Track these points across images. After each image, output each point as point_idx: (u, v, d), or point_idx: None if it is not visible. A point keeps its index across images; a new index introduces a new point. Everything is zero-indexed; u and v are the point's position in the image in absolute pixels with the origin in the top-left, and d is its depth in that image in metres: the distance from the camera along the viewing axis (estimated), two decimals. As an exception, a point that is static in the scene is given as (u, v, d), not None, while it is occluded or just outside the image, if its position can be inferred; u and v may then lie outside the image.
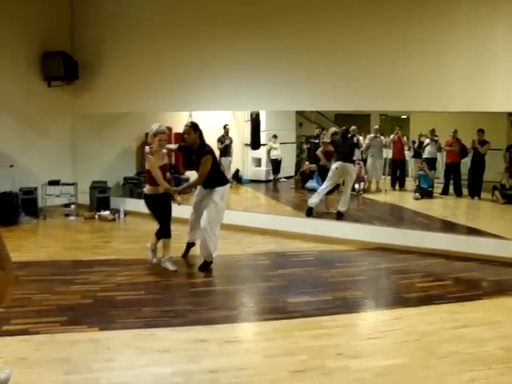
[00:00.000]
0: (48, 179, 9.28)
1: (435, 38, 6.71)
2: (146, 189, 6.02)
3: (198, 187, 6.18)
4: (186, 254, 6.54)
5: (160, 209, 5.99)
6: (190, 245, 6.54)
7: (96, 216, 9.30)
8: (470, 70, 6.53)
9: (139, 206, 9.47)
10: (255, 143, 10.47)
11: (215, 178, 5.98)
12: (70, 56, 9.54)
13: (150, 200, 6.00)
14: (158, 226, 6.11)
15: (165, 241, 6.11)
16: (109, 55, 9.54)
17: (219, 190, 5.97)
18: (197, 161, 5.85)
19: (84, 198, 9.74)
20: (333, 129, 9.83)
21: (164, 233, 6.05)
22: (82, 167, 10.19)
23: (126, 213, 9.36)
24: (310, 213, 8.77)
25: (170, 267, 6.03)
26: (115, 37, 9.41)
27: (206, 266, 6.10)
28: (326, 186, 8.97)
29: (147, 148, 5.84)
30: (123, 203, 9.61)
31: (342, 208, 8.87)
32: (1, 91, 8.86)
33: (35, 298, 4.98)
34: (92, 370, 3.59)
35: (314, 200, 8.87)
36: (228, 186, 6.21)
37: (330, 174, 8.99)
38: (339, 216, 8.74)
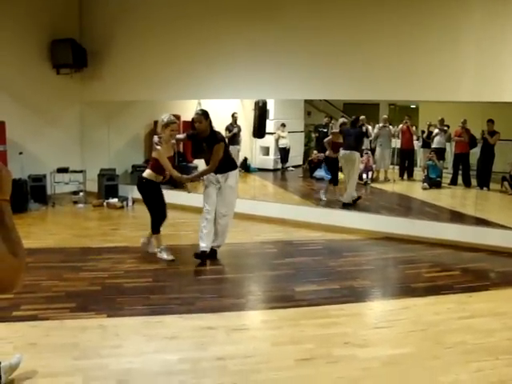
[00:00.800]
0: (57, 166, 9.31)
1: (445, 26, 6.65)
2: (146, 173, 5.87)
3: (208, 183, 6.04)
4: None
5: (155, 197, 5.95)
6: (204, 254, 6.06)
7: (104, 203, 9.33)
8: (480, 59, 6.47)
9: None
10: (260, 132, 10.35)
11: (227, 163, 5.96)
12: (79, 44, 9.54)
13: (147, 185, 5.87)
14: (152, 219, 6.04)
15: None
16: (118, 43, 9.52)
17: (233, 173, 5.98)
18: (208, 148, 5.82)
19: (92, 186, 9.77)
20: (342, 119, 9.81)
21: (158, 223, 5.99)
22: (91, 155, 10.23)
23: (134, 200, 9.37)
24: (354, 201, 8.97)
25: (166, 257, 5.99)
26: (124, 24, 9.38)
27: (214, 255, 6.11)
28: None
29: (156, 138, 5.78)
30: (131, 191, 9.59)
31: (345, 199, 8.85)
32: (10, 79, 8.90)
33: (44, 285, 5.02)
34: (100, 355, 3.63)
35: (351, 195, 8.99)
36: (237, 170, 6.21)
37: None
38: (345, 207, 8.73)
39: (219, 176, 5.93)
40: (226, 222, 6.08)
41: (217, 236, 6.08)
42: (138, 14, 9.19)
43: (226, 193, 5.96)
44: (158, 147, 5.70)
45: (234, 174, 6.01)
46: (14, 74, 8.96)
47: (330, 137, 9.95)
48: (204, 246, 5.94)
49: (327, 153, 9.75)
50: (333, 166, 9.49)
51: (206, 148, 5.86)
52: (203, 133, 5.82)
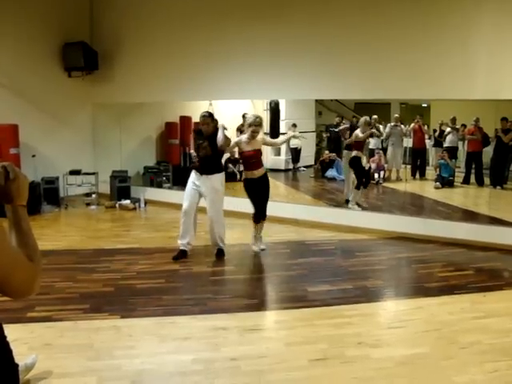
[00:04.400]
0: (69, 169, 9.38)
1: (457, 23, 6.59)
2: (244, 173, 6.33)
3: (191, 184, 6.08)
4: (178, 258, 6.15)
5: (248, 193, 6.26)
6: (184, 252, 6.17)
7: (117, 205, 9.37)
8: (493, 56, 6.41)
9: (159, 195, 9.61)
10: (274, 132, 10.41)
11: (216, 162, 6.04)
12: (90, 46, 9.60)
13: (246, 184, 6.26)
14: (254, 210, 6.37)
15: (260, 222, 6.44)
16: (129, 45, 9.56)
17: (218, 176, 6.00)
18: (210, 146, 5.90)
19: (105, 188, 9.82)
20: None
21: (259, 215, 6.34)
22: (103, 157, 10.28)
23: (147, 202, 9.42)
24: (346, 202, 8.87)
25: (255, 248, 6.42)
26: (135, 27, 9.41)
27: (222, 253, 6.18)
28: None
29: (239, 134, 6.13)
30: (143, 192, 9.67)
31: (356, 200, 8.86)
32: (22, 82, 8.97)
33: (58, 286, 5.05)
34: (114, 356, 3.65)
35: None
36: (224, 173, 6.22)
37: None
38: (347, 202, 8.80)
39: (202, 180, 5.96)
40: (215, 225, 6.08)
41: (212, 236, 6.19)
42: (148, 16, 9.21)
43: (211, 195, 5.97)
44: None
45: (219, 177, 6.03)
46: (26, 78, 9.03)
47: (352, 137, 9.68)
48: (180, 243, 6.13)
49: (355, 153, 8.91)
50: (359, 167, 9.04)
51: (207, 146, 5.92)
52: (207, 132, 5.93)
